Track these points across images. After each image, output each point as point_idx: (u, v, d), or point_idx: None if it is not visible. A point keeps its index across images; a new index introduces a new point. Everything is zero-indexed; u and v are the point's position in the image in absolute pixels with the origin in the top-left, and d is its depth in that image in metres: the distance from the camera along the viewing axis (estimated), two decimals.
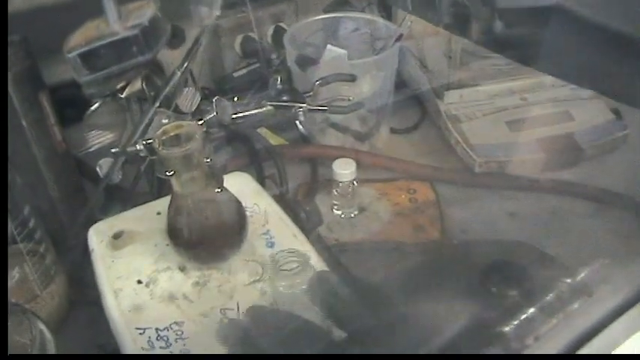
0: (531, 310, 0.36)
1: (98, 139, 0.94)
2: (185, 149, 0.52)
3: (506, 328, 0.36)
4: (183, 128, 0.55)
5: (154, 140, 0.53)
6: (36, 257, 0.66)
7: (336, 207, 0.82)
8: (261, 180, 0.78)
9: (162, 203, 0.67)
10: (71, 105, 0.91)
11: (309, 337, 0.47)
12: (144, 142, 0.62)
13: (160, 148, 0.53)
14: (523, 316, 0.36)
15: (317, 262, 0.61)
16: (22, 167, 0.71)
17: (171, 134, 0.54)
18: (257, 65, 0.97)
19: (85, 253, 0.71)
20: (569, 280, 0.37)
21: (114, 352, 0.58)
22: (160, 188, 0.72)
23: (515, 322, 0.36)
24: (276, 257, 0.56)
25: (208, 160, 0.54)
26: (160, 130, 0.54)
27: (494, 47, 0.84)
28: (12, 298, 0.64)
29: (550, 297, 0.37)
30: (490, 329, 0.38)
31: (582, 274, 0.41)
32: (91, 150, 0.95)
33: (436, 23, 0.81)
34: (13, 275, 0.65)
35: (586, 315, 0.34)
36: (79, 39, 0.66)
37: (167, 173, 0.53)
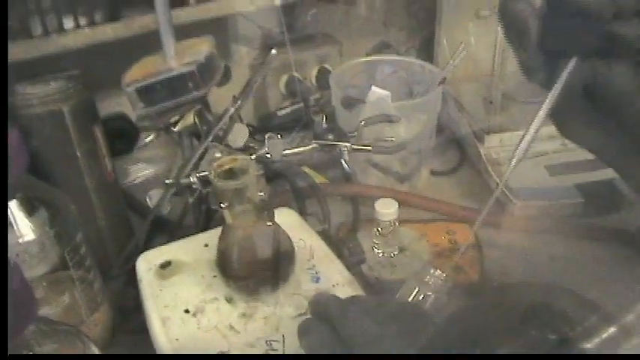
0: (612, 329, 0.36)
1: (144, 171, 0.97)
2: (240, 182, 0.54)
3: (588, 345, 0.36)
4: (238, 162, 0.56)
5: (210, 172, 0.55)
6: (85, 284, 0.68)
7: (376, 246, 0.82)
8: (303, 217, 0.79)
9: (210, 235, 0.69)
10: (118, 137, 0.94)
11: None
12: (197, 175, 0.64)
13: (215, 180, 0.54)
14: (604, 335, 0.36)
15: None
16: (74, 196, 0.73)
17: (226, 167, 0.56)
18: (301, 105, 0.99)
19: (129, 282, 0.73)
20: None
21: None
22: (207, 221, 0.74)
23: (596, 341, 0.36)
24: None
25: (261, 194, 0.56)
26: (216, 163, 0.55)
27: None
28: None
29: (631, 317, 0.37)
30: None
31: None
32: (136, 182, 0.97)
33: None
34: (64, 300, 0.66)
35: None
36: (137, 74, 0.69)
37: (221, 205, 0.55)
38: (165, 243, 0.74)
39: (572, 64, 0.47)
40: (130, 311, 0.73)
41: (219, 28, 1.02)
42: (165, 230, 0.79)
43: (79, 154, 0.74)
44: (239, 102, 0.67)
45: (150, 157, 0.96)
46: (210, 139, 0.65)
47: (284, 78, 1.01)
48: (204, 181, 0.64)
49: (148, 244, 0.78)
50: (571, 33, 0.46)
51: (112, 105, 0.92)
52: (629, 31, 0.44)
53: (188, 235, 0.72)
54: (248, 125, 0.87)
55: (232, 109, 0.66)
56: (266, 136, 0.65)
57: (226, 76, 0.80)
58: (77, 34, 0.77)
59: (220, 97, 0.79)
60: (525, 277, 0.80)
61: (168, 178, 0.66)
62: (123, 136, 0.94)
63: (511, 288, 0.79)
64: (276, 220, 0.61)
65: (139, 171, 0.97)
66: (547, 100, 0.48)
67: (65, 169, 0.74)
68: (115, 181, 0.80)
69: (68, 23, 0.78)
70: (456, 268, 0.80)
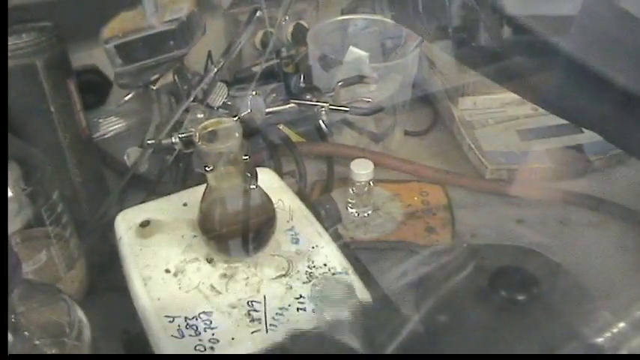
0: (622, 324, 0.37)
1: (115, 125, 0.95)
2: (225, 146, 0.54)
3: (600, 339, 0.38)
4: (222, 124, 0.56)
5: (195, 135, 0.55)
6: (61, 241, 0.68)
7: (350, 205, 0.84)
8: (280, 176, 0.80)
9: (188, 194, 0.68)
10: (89, 91, 0.92)
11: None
12: (180, 136, 0.63)
13: (200, 144, 0.54)
14: (615, 330, 0.37)
15: (339, 260, 0.63)
16: (48, 152, 0.71)
17: (210, 129, 0.56)
18: (276, 61, 0.98)
19: (104, 239, 0.73)
20: None
21: (140, 338, 0.60)
22: (184, 179, 0.74)
23: (608, 335, 0.38)
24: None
25: (246, 157, 0.56)
26: (200, 126, 0.55)
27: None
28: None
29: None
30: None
31: None
32: (107, 136, 0.96)
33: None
34: (40, 258, 0.66)
35: None
36: (116, 29, 0.67)
37: (206, 169, 0.55)
38: (141, 200, 0.74)
39: None
40: (105, 268, 0.73)
41: None
42: (140, 186, 0.79)
43: (52, 109, 0.72)
44: (222, 64, 0.66)
45: (121, 111, 0.95)
46: (191, 99, 0.64)
47: (259, 34, 1.00)
48: (187, 142, 0.63)
49: (123, 201, 0.78)
50: None
51: (83, 57, 0.90)
52: None
53: (164, 193, 0.72)
54: (222, 81, 0.87)
55: (215, 70, 0.66)
56: (249, 97, 0.65)
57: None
58: None
59: (192, 50, 0.77)
60: (494, 239, 0.82)
61: (149, 138, 0.65)
62: (94, 90, 0.92)
63: (481, 250, 0.81)
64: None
65: (111, 125, 0.96)
66: None
67: (39, 125, 0.72)
68: (90, 136, 0.79)
69: None
70: (428, 229, 0.82)
